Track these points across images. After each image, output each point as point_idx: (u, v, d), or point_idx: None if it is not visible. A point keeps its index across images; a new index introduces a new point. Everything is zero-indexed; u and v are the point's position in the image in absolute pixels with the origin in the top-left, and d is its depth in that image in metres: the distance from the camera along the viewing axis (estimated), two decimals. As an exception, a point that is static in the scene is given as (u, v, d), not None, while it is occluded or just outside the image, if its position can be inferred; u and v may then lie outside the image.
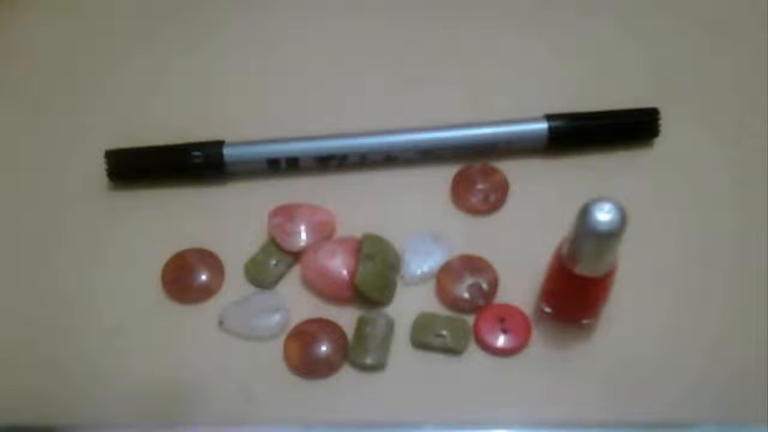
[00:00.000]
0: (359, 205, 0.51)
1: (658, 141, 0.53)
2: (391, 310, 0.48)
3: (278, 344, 0.47)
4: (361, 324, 0.47)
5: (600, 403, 0.45)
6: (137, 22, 0.60)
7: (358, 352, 0.46)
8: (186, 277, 0.49)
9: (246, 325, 0.47)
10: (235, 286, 0.49)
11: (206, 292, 0.48)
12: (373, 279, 0.47)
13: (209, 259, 0.49)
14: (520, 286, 0.48)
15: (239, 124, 0.54)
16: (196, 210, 0.51)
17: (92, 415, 0.45)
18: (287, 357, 0.46)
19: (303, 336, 0.47)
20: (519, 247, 0.49)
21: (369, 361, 0.46)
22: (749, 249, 0.49)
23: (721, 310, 0.47)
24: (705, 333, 0.46)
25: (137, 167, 0.52)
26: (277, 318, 0.47)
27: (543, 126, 0.52)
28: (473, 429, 0.44)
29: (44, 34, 0.60)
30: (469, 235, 0.50)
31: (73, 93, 0.57)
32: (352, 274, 0.47)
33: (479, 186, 0.51)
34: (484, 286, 0.48)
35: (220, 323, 0.47)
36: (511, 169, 0.52)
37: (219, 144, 0.52)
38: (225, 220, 0.51)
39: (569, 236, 0.41)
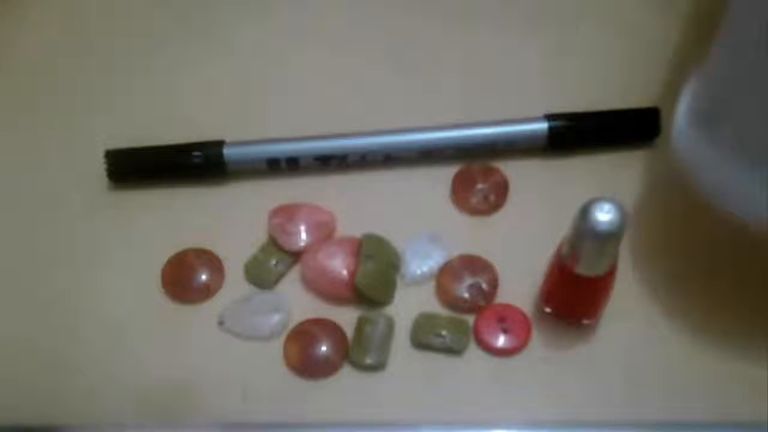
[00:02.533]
0: (359, 205, 0.51)
1: (658, 141, 0.53)
2: (391, 310, 0.48)
3: (278, 344, 0.47)
4: (361, 324, 0.47)
5: (600, 403, 0.45)
6: (137, 22, 0.60)
7: (358, 352, 0.46)
8: (186, 277, 0.49)
9: (246, 325, 0.47)
10: (235, 286, 0.49)
11: (206, 292, 0.48)
12: (373, 279, 0.47)
13: (209, 259, 0.49)
14: (520, 286, 0.47)
15: (239, 124, 0.54)
16: (196, 210, 0.51)
17: (92, 415, 0.45)
18: (287, 357, 0.46)
19: (303, 336, 0.47)
20: (519, 247, 0.49)
21: (369, 361, 0.46)
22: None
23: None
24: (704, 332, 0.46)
25: (137, 167, 0.52)
26: (277, 318, 0.47)
27: (543, 126, 0.52)
28: (473, 429, 0.44)
29: (44, 34, 0.60)
30: (469, 235, 0.50)
31: (73, 93, 0.57)
32: (352, 274, 0.47)
33: (479, 186, 0.51)
34: (484, 286, 0.48)
35: (220, 323, 0.47)
36: (511, 169, 0.52)
37: (219, 144, 0.52)
38: (225, 220, 0.51)
39: (569, 236, 0.41)
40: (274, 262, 0.49)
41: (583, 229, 0.39)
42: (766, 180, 0.40)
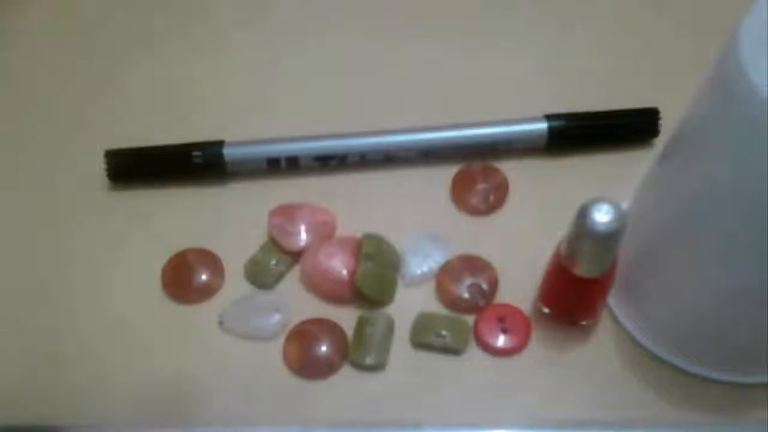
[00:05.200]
0: (359, 205, 0.51)
1: (658, 141, 0.53)
2: (391, 310, 0.48)
3: (278, 344, 0.47)
4: (361, 324, 0.47)
5: (600, 403, 0.45)
6: (137, 22, 0.60)
7: (358, 352, 0.46)
8: (186, 277, 0.49)
9: (246, 325, 0.47)
10: (235, 286, 0.49)
11: (206, 292, 0.48)
12: (373, 279, 0.47)
13: (209, 259, 0.49)
14: (520, 286, 0.48)
15: (239, 124, 0.54)
16: (196, 210, 0.52)
17: (92, 415, 0.45)
18: (287, 357, 0.46)
19: (303, 336, 0.47)
20: (519, 247, 0.49)
21: (369, 361, 0.46)
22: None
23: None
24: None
25: (137, 167, 0.52)
26: (277, 318, 0.47)
27: (543, 126, 0.52)
28: (473, 429, 0.44)
29: (44, 34, 0.60)
30: (469, 235, 0.50)
31: (73, 93, 0.57)
32: (352, 274, 0.47)
33: (479, 186, 0.51)
34: (484, 286, 0.48)
35: (220, 323, 0.47)
36: (511, 169, 0.52)
37: (219, 144, 0.52)
38: (225, 220, 0.51)
39: (567, 237, 0.41)
40: (274, 262, 0.49)
41: (582, 230, 0.39)
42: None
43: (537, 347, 0.46)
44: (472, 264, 0.48)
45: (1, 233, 0.51)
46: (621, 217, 0.38)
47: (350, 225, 0.50)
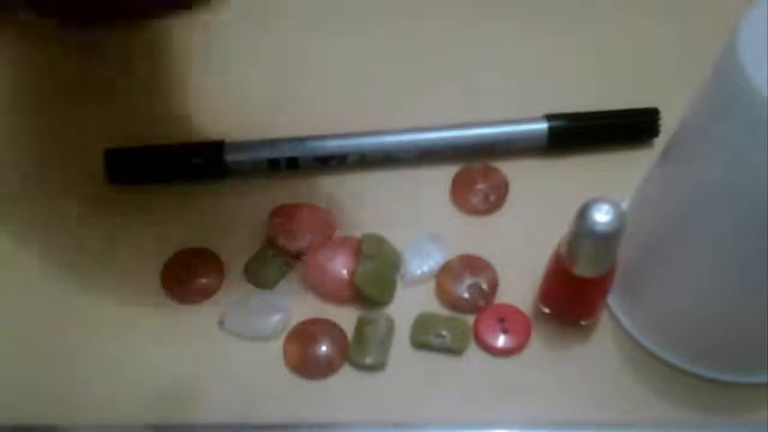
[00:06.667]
0: (359, 205, 0.51)
1: (658, 141, 0.53)
2: (391, 310, 0.48)
3: (278, 344, 0.47)
4: (361, 324, 0.47)
5: (600, 403, 0.45)
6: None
7: (358, 352, 0.46)
8: (186, 277, 0.49)
9: (246, 325, 0.47)
10: (235, 286, 0.49)
11: (206, 292, 0.48)
12: (373, 279, 0.47)
13: (209, 259, 0.49)
14: (520, 286, 0.48)
15: (239, 124, 0.54)
16: (197, 210, 0.51)
17: (91, 415, 0.45)
18: (287, 357, 0.46)
19: (303, 336, 0.47)
20: (519, 247, 0.49)
21: (369, 361, 0.46)
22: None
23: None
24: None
25: (137, 167, 0.52)
26: (277, 318, 0.47)
27: (543, 126, 0.52)
28: (473, 429, 0.44)
29: (45, 33, 0.60)
30: (469, 235, 0.50)
31: (73, 92, 0.57)
32: (352, 274, 0.47)
33: (479, 186, 0.51)
34: (484, 286, 0.48)
35: (220, 323, 0.47)
36: (511, 169, 0.52)
37: (219, 144, 0.52)
38: (225, 220, 0.51)
39: (567, 237, 0.41)
40: (274, 262, 0.49)
41: (582, 230, 0.39)
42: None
43: (537, 347, 0.46)
44: (472, 264, 0.48)
45: (0, 233, 0.51)
46: (621, 217, 0.38)
47: (350, 225, 0.50)
